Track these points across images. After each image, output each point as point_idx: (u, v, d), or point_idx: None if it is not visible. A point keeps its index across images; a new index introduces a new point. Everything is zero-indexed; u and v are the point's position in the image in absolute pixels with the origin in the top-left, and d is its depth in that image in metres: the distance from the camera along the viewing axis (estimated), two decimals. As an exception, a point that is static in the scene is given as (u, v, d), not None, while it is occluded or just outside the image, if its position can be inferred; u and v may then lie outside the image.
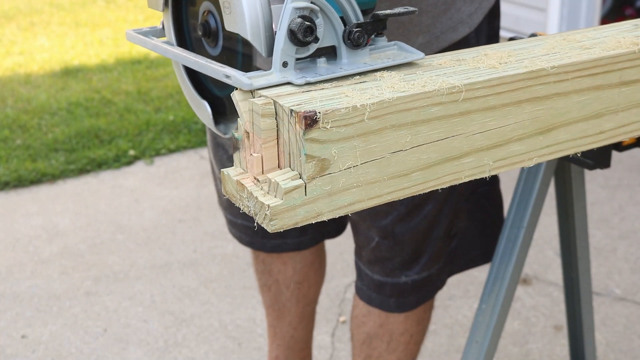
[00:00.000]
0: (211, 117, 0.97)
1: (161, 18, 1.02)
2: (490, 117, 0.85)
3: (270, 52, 0.82)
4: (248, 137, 0.78)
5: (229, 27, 0.83)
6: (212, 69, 0.84)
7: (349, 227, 1.58)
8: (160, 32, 1.02)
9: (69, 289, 2.68)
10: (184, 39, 0.99)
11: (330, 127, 0.75)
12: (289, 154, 0.76)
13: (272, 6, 0.82)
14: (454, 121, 0.83)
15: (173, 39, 0.99)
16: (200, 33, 0.91)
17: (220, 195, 1.69)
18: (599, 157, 1.31)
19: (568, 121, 0.93)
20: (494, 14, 1.41)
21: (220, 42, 0.91)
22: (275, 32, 0.81)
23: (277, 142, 0.77)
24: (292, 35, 0.79)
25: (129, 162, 3.70)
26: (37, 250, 2.94)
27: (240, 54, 0.89)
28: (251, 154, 0.78)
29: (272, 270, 1.76)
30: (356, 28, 0.83)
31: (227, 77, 0.81)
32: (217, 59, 0.91)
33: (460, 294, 2.58)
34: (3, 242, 3.01)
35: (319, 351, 2.32)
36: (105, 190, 3.45)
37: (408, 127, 0.80)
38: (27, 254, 2.91)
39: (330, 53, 0.85)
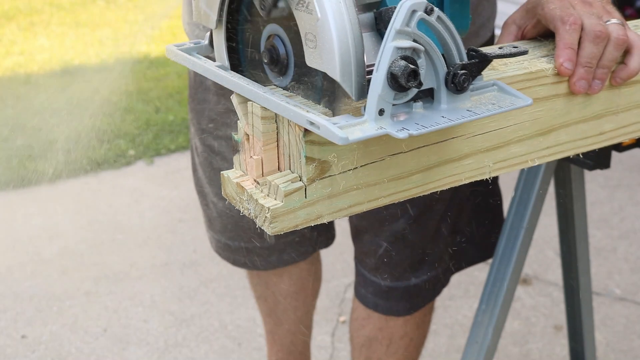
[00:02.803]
0: None
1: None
2: (490, 118, 0.85)
3: (361, 95, 0.71)
4: (248, 139, 0.78)
5: (312, 62, 0.72)
6: (293, 113, 0.72)
7: (347, 229, 1.57)
8: (205, 49, 0.89)
9: (69, 289, 2.68)
10: (234, 58, 0.87)
11: (330, 129, 0.74)
12: (289, 156, 0.76)
13: (363, 34, 0.71)
14: (453, 123, 0.82)
15: (226, 61, 0.86)
16: (265, 60, 0.79)
17: (211, 220, 1.62)
18: (599, 158, 1.31)
19: (568, 122, 0.93)
20: None
21: (291, 73, 0.78)
22: (368, 68, 0.70)
23: (277, 144, 0.77)
24: (393, 79, 0.69)
25: (129, 162, 3.70)
26: (37, 250, 2.93)
27: (319, 89, 0.76)
28: (251, 157, 0.78)
29: (268, 283, 1.74)
30: (462, 70, 0.73)
31: (312, 124, 0.70)
32: (285, 89, 0.79)
33: (460, 294, 2.58)
34: (3, 242, 3.01)
35: (319, 351, 2.32)
36: (105, 190, 3.44)
37: (408, 129, 0.80)
38: (27, 254, 2.91)
39: (427, 96, 0.74)
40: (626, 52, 0.93)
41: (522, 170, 1.43)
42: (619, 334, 2.38)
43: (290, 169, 0.76)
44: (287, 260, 1.66)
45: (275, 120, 0.76)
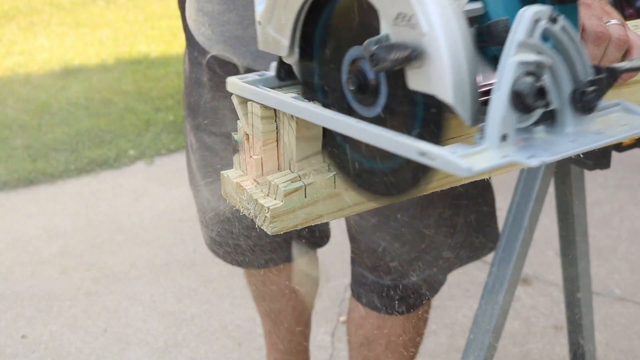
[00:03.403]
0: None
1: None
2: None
3: (476, 119, 0.62)
4: (248, 139, 0.78)
5: (416, 85, 0.63)
6: (399, 144, 0.63)
7: (345, 228, 1.57)
8: (272, 81, 0.80)
9: (69, 289, 2.68)
10: (309, 87, 0.79)
11: (330, 129, 0.74)
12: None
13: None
14: (453, 123, 0.82)
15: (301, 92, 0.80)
16: (351, 88, 0.70)
17: (205, 215, 1.60)
18: (599, 158, 1.31)
19: (568, 122, 0.93)
20: None
21: (383, 101, 0.69)
22: (482, 88, 0.63)
23: (277, 144, 0.77)
24: (518, 99, 0.60)
25: (129, 162, 3.70)
26: (37, 250, 2.94)
27: (419, 117, 0.67)
28: (251, 157, 0.78)
29: (265, 281, 1.74)
30: (591, 87, 0.63)
31: (423, 155, 0.61)
32: (373, 120, 0.70)
33: (460, 294, 2.58)
34: (3, 242, 3.01)
35: (319, 351, 2.32)
36: (105, 190, 3.45)
37: (408, 129, 0.79)
38: (27, 254, 2.91)
39: (547, 118, 0.65)
40: (626, 53, 0.93)
41: (522, 170, 1.43)
42: (619, 334, 2.38)
43: (290, 169, 0.76)
44: (280, 259, 1.66)
45: (275, 120, 0.76)
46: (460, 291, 2.59)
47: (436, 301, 2.49)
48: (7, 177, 3.51)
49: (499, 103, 0.60)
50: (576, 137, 0.64)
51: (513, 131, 0.61)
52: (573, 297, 1.62)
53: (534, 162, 0.59)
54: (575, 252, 1.55)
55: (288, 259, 1.67)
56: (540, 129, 0.64)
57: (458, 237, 1.52)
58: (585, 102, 0.63)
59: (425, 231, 1.43)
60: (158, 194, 3.38)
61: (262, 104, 0.75)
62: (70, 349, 2.37)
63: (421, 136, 0.66)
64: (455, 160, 0.58)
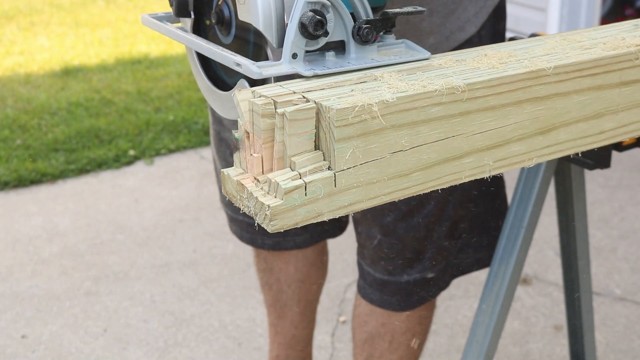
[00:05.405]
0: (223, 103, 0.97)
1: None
2: (490, 117, 0.85)
3: (280, 43, 0.84)
4: (248, 137, 0.78)
5: (242, 17, 0.86)
6: (224, 57, 0.87)
7: (350, 228, 1.57)
8: (175, 18, 1.04)
9: (69, 289, 2.68)
10: (198, 27, 1.02)
11: (330, 128, 0.74)
12: (289, 154, 0.76)
13: None
14: (454, 121, 0.83)
15: (188, 27, 1.02)
16: (213, 21, 0.94)
17: (221, 192, 1.67)
18: (599, 157, 1.31)
19: (568, 121, 0.93)
20: (499, 14, 1.40)
21: (233, 31, 0.93)
22: (287, 24, 0.84)
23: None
24: (303, 28, 0.81)
25: (129, 162, 3.70)
26: (37, 250, 2.94)
27: (251, 43, 0.92)
28: (251, 154, 0.78)
29: (274, 269, 1.76)
30: (365, 24, 0.85)
31: (238, 65, 0.84)
32: (229, 47, 0.93)
33: (460, 294, 2.58)
34: (3, 242, 3.01)
35: (319, 351, 2.32)
36: (105, 190, 3.45)
37: (408, 127, 0.80)
38: (27, 254, 2.91)
39: (339, 48, 0.87)
40: None
41: (522, 170, 1.43)
42: (619, 334, 2.38)
43: (290, 167, 0.76)
44: (289, 244, 1.68)
45: (276, 118, 0.76)
46: (460, 291, 2.59)
47: (436, 301, 2.49)
48: (7, 177, 3.51)
49: (291, 30, 0.82)
50: (355, 61, 0.86)
51: (302, 52, 0.83)
52: (573, 297, 1.62)
53: (308, 73, 0.82)
54: (575, 252, 1.55)
55: (297, 245, 1.69)
56: (331, 54, 0.86)
57: (462, 245, 1.51)
58: (361, 35, 0.85)
59: (419, 231, 1.43)
60: (158, 194, 3.38)
61: (262, 103, 0.76)
62: (70, 349, 2.38)
63: (254, 54, 0.90)
64: (251, 67, 0.82)
